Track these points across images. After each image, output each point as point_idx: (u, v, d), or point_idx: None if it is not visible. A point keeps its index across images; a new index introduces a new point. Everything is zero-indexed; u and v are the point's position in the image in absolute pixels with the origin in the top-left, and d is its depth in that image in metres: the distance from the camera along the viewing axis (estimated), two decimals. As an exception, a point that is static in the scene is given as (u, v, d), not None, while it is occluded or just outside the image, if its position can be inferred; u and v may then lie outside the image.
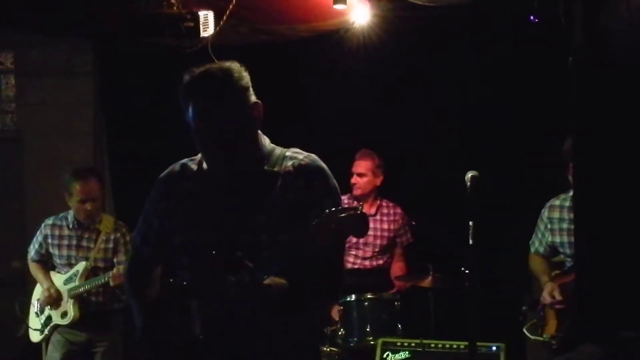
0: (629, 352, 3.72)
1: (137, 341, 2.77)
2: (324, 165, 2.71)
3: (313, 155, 2.72)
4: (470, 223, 3.70)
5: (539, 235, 4.31)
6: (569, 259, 4.18)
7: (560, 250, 4.21)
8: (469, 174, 3.78)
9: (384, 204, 5.44)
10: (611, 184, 3.58)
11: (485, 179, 3.80)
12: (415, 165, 5.67)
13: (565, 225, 4.15)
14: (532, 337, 4.15)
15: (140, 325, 2.79)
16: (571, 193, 4.15)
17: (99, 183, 4.93)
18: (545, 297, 4.07)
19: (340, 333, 4.98)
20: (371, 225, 5.14)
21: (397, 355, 4.77)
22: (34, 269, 5.06)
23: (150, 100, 5.95)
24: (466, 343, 4.27)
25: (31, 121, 6.32)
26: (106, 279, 4.73)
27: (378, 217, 5.36)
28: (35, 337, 5.06)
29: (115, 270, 4.73)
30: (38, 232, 5.04)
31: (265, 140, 2.72)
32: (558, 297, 4.02)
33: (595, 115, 3.62)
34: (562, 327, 4.03)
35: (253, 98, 2.62)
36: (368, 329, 4.98)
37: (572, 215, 4.08)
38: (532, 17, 4.88)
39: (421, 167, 5.61)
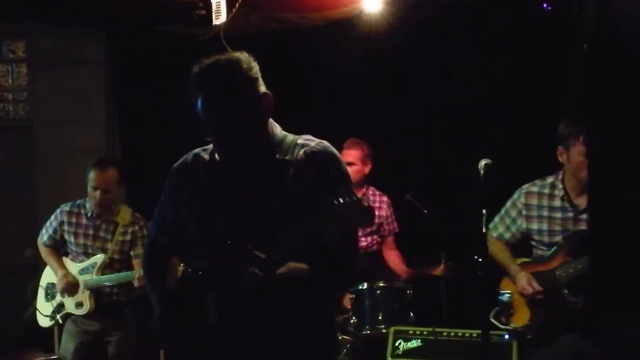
0: (610, 342, 3.70)
1: (154, 330, 2.78)
2: (335, 151, 2.73)
3: (325, 142, 2.72)
4: (483, 211, 3.68)
5: (507, 221, 4.19)
6: (543, 247, 4.10)
7: (536, 237, 4.08)
8: (482, 162, 3.76)
9: (370, 191, 5.44)
10: (624, 173, 3.55)
11: (498, 167, 3.78)
12: (427, 153, 5.65)
13: (545, 213, 4.07)
14: (501, 326, 4.08)
15: (157, 313, 2.81)
16: (549, 180, 4.08)
17: (116, 175, 4.89)
18: (526, 288, 3.96)
19: (352, 321, 4.98)
20: None
21: (409, 343, 4.76)
22: (47, 254, 5.03)
23: (161, 89, 5.95)
24: (479, 331, 4.24)
25: (43, 110, 6.34)
26: (130, 277, 4.74)
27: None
28: (45, 322, 5.07)
29: (138, 272, 4.70)
30: (53, 217, 5.02)
31: (277, 129, 2.72)
32: (537, 287, 3.96)
33: (606, 104, 3.60)
34: (536, 317, 3.99)
35: (262, 88, 2.63)
36: (380, 318, 4.98)
37: (552, 203, 4.02)
38: (545, 5, 4.85)
39: (433, 155, 5.59)
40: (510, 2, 5.32)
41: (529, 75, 5.35)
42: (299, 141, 2.70)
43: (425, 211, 5.24)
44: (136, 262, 4.81)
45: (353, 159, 5.25)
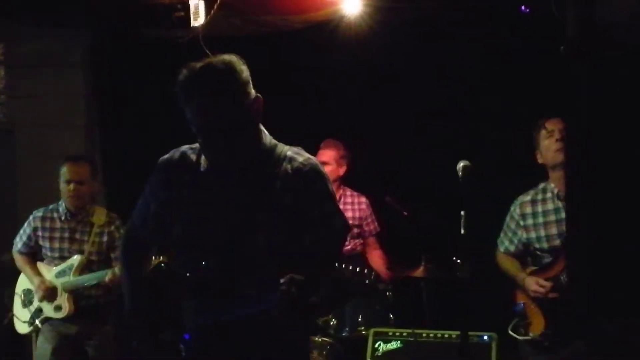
0: (612, 346, 3.74)
1: (124, 322, 2.77)
2: (322, 169, 2.75)
3: (313, 160, 2.73)
4: (462, 212, 3.70)
5: (509, 234, 4.24)
6: (545, 255, 4.14)
7: (536, 245, 4.11)
8: (461, 164, 3.78)
9: (348, 192, 5.45)
10: (603, 174, 3.58)
11: (477, 168, 3.81)
12: (408, 155, 5.68)
13: (540, 219, 4.11)
14: (520, 337, 4.12)
15: (128, 305, 2.79)
16: (540, 186, 4.15)
17: (89, 169, 4.90)
18: (537, 289, 4.01)
19: (332, 323, 4.99)
20: None
21: (389, 345, 4.78)
22: (21, 262, 5.00)
23: (143, 91, 5.94)
24: (458, 332, 4.28)
25: (23, 113, 6.31)
26: (104, 276, 4.73)
27: (341, 205, 5.37)
28: (23, 328, 5.03)
29: (113, 270, 4.72)
30: (26, 224, 5.00)
31: (267, 137, 2.71)
32: (547, 284, 4.00)
33: (588, 106, 3.63)
34: (551, 323, 4.03)
35: (253, 92, 2.62)
36: (360, 319, 5.00)
37: (545, 207, 4.08)
38: (523, 8, 4.88)
39: (413, 157, 5.62)
40: (492, 2, 5.34)
41: (511, 75, 5.39)
42: (288, 153, 2.69)
43: (405, 213, 5.26)
44: (115, 264, 4.79)
45: (328, 159, 5.26)
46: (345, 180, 5.46)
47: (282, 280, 2.43)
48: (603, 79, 3.51)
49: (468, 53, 5.52)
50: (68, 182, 4.83)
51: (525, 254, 4.26)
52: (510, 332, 4.14)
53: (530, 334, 4.06)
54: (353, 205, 5.41)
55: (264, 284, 2.51)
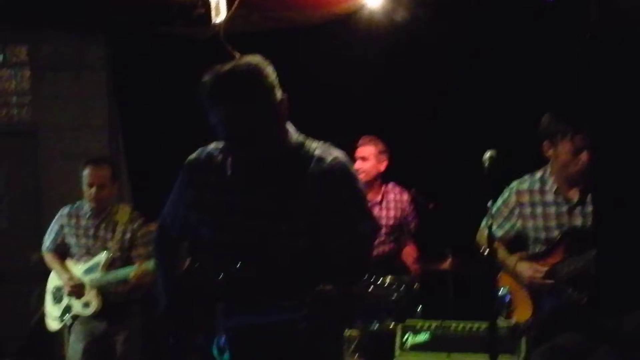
0: (608, 338, 3.68)
1: (158, 319, 2.77)
2: (351, 170, 2.67)
3: (341, 159, 2.64)
4: (489, 204, 3.67)
5: (500, 220, 4.15)
6: (539, 244, 4.05)
7: (532, 235, 4.00)
8: (487, 154, 3.74)
9: (390, 189, 5.41)
10: (627, 162, 3.53)
11: (503, 158, 3.77)
12: (432, 147, 5.65)
13: (538, 210, 4.01)
14: (502, 322, 4.04)
15: (163, 303, 2.79)
16: (538, 175, 4.02)
17: (110, 171, 4.94)
18: (534, 276, 3.91)
19: (360, 316, 4.98)
20: (376, 212, 5.16)
21: (417, 337, 4.77)
22: (50, 259, 5.07)
23: (164, 90, 5.96)
24: (486, 324, 4.25)
25: (46, 114, 6.36)
26: (129, 276, 4.76)
27: (384, 204, 5.34)
28: (54, 325, 5.10)
29: (137, 268, 4.75)
30: (53, 222, 5.07)
31: (293, 136, 2.65)
32: (543, 269, 3.92)
33: (610, 92, 3.58)
34: (538, 312, 3.95)
35: (280, 94, 2.56)
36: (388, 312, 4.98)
37: (544, 199, 3.97)
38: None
39: (437, 149, 5.59)
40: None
41: (534, 65, 5.34)
42: (316, 153, 2.61)
43: (431, 206, 5.24)
44: (137, 261, 4.82)
45: (367, 155, 5.24)
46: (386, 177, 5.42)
47: (310, 296, 2.40)
48: (627, 64, 3.46)
49: (490, 43, 5.47)
50: (90, 185, 4.88)
51: (514, 241, 4.18)
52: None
53: (513, 320, 4.01)
54: (397, 203, 5.37)
55: (290, 292, 2.49)
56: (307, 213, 2.55)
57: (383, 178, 5.38)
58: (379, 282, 4.25)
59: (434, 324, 4.78)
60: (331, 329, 2.63)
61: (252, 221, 2.60)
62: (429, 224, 5.36)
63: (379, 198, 5.30)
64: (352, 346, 4.92)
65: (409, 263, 5.31)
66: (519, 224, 4.05)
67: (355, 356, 4.85)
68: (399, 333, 4.80)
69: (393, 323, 4.90)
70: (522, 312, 3.98)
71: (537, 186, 4.02)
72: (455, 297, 4.95)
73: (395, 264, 5.20)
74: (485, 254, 3.68)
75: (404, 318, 4.83)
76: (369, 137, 5.31)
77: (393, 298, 4.57)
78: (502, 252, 4.10)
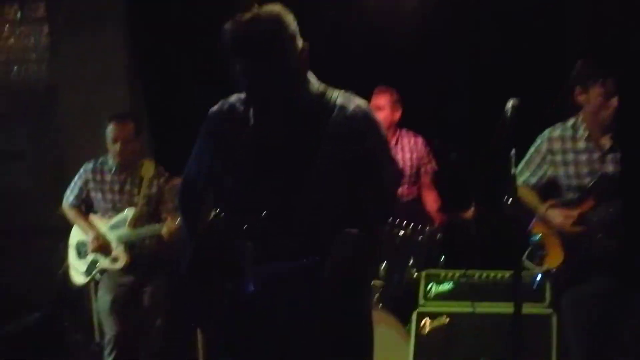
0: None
1: (183, 270, 2.79)
2: (375, 117, 2.67)
3: (364, 106, 2.65)
4: (512, 152, 3.65)
5: (533, 167, 4.16)
6: (571, 192, 4.06)
7: (564, 182, 4.06)
8: (510, 102, 3.71)
9: (404, 133, 5.43)
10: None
11: (527, 107, 3.74)
12: (455, 95, 5.60)
13: (570, 157, 4.03)
14: (534, 267, 4.06)
15: (188, 253, 2.81)
16: (570, 122, 4.05)
17: (133, 127, 4.94)
18: (565, 222, 3.96)
19: (383, 266, 5.00)
20: None
21: (441, 286, 4.79)
22: (73, 215, 5.09)
23: (184, 42, 5.92)
24: (510, 273, 4.25)
25: (65, 70, 6.35)
26: (160, 229, 4.79)
27: (399, 146, 5.36)
28: (80, 279, 5.14)
29: (169, 223, 4.76)
30: (77, 177, 5.08)
31: (314, 85, 2.65)
32: (574, 214, 3.94)
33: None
34: (570, 258, 3.97)
35: (300, 43, 2.55)
36: (411, 262, 4.99)
37: (576, 146, 4.01)
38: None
39: (461, 97, 5.54)
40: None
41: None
42: (339, 101, 2.61)
43: (453, 155, 5.22)
44: (167, 217, 4.84)
45: (382, 104, 5.24)
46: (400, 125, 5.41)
47: (335, 240, 2.40)
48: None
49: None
50: (114, 141, 4.88)
51: (546, 188, 4.19)
52: (525, 261, 4.09)
53: (545, 266, 4.02)
54: (410, 146, 5.39)
55: (315, 238, 2.50)
56: (331, 160, 2.56)
57: (398, 126, 5.40)
58: (402, 229, 4.31)
59: (457, 274, 4.79)
60: (357, 273, 2.63)
61: (276, 170, 2.60)
62: (451, 173, 5.34)
63: (393, 142, 5.31)
64: (376, 296, 4.94)
65: (432, 211, 5.32)
66: (550, 171, 4.08)
67: (379, 306, 4.88)
68: (422, 282, 4.82)
69: (416, 272, 4.92)
70: (554, 259, 4.01)
71: (569, 133, 4.04)
72: (478, 247, 4.94)
73: (418, 212, 5.19)
74: (510, 202, 3.67)
75: (427, 267, 4.86)
76: (384, 87, 5.30)
77: (416, 246, 4.64)
78: (534, 199, 4.14)
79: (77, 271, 5.15)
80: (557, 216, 3.99)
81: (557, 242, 4.01)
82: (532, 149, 4.17)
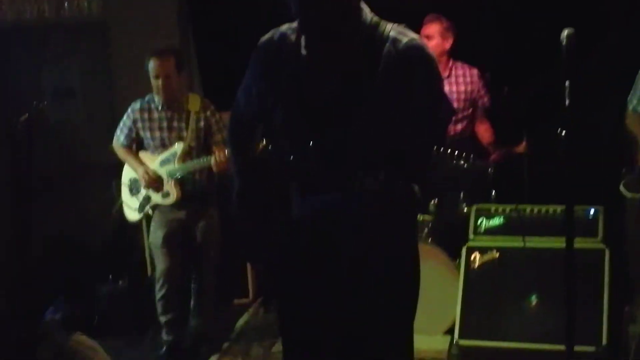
0: None
1: (233, 204, 2.80)
2: (428, 52, 2.60)
3: (418, 41, 2.59)
4: (567, 83, 3.57)
5: (638, 93, 4.11)
6: None
7: None
8: (565, 32, 3.62)
9: (458, 65, 5.32)
10: None
11: (582, 37, 3.64)
12: (507, 26, 5.48)
13: None
14: (630, 194, 4.01)
15: (237, 187, 2.82)
16: None
17: (174, 61, 4.90)
18: None
19: (433, 202, 4.98)
20: (446, 88, 5.02)
21: (491, 221, 4.76)
22: (124, 153, 5.14)
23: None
24: (563, 207, 4.19)
25: (117, 7, 6.36)
26: (209, 162, 4.80)
27: (453, 79, 5.26)
28: (134, 216, 5.21)
29: (217, 154, 4.76)
30: (125, 117, 5.09)
31: (367, 16, 2.60)
32: None
33: None
34: None
35: None
36: (461, 197, 4.96)
37: None
38: None
39: (513, 27, 5.42)
40: None
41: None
42: (391, 34, 2.56)
43: (505, 88, 5.14)
44: (216, 149, 4.85)
45: (432, 33, 5.15)
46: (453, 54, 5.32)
47: (381, 175, 2.39)
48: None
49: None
50: (156, 77, 4.88)
51: None
52: (622, 188, 4.02)
53: None
54: (465, 78, 5.30)
55: (361, 172, 2.46)
56: (381, 93, 2.52)
57: (451, 55, 5.29)
58: (453, 161, 4.28)
59: (508, 208, 4.75)
60: (403, 208, 2.62)
61: (326, 101, 2.58)
62: (503, 106, 5.26)
63: (446, 74, 5.22)
64: (425, 231, 4.94)
65: (485, 145, 5.25)
66: None
67: (429, 241, 4.88)
68: (472, 217, 4.80)
69: (467, 207, 4.89)
70: None
71: None
72: (529, 182, 4.89)
73: (470, 147, 5.14)
74: (565, 134, 3.61)
75: (478, 202, 4.83)
76: (434, 15, 5.20)
77: (467, 180, 4.60)
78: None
79: (130, 208, 5.22)
80: None
81: None
82: (638, 75, 4.07)
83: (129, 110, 5.08)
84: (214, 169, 4.79)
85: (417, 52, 2.55)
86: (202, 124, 4.96)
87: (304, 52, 2.60)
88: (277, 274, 2.82)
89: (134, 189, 5.17)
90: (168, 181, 4.97)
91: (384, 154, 2.49)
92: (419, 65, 2.55)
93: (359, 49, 2.55)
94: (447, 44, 5.20)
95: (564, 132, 3.61)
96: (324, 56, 2.57)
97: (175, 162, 4.92)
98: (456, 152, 4.29)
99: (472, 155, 4.39)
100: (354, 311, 2.68)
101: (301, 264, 2.71)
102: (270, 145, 2.70)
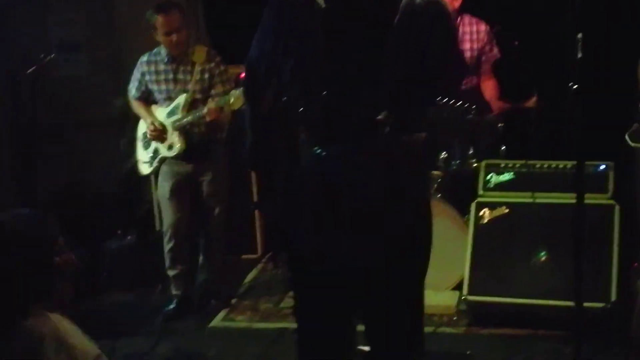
0: None
1: (245, 155, 2.79)
2: (445, 8, 2.62)
3: None
4: (578, 36, 3.51)
5: None
6: None
7: None
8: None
9: (466, 20, 5.22)
10: None
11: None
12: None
13: None
14: (633, 144, 3.96)
15: (249, 139, 2.81)
16: None
17: (180, 14, 4.89)
18: None
19: (441, 156, 4.94)
20: None
21: (501, 176, 4.73)
22: (136, 106, 5.15)
23: None
24: (573, 163, 4.16)
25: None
26: (203, 112, 4.79)
27: (460, 36, 5.19)
28: (145, 169, 5.22)
29: (210, 104, 4.75)
30: (135, 70, 5.10)
31: None
32: None
33: None
34: None
35: None
36: (470, 152, 4.92)
37: None
38: None
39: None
40: None
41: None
42: None
43: (516, 42, 5.06)
44: (211, 99, 4.83)
45: None
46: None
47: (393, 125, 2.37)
48: None
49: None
50: (168, 33, 4.83)
51: None
52: (627, 137, 3.98)
53: None
54: (472, 35, 5.22)
55: (373, 122, 2.48)
56: (395, 48, 2.51)
57: (461, 11, 5.20)
58: (462, 116, 4.22)
59: (517, 164, 4.71)
60: (416, 160, 2.61)
61: (340, 52, 2.57)
62: (513, 61, 5.19)
63: None
64: (435, 186, 4.92)
65: (491, 100, 5.20)
66: None
67: (438, 196, 4.85)
68: (482, 172, 4.76)
69: (476, 162, 4.85)
70: None
71: None
72: (539, 137, 4.84)
73: (477, 101, 5.08)
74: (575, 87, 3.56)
75: (487, 157, 4.79)
76: None
77: (476, 134, 4.55)
78: None
79: (142, 162, 5.23)
80: None
81: None
82: None
83: (138, 63, 5.08)
84: (207, 118, 4.77)
85: (434, 7, 2.57)
86: (206, 75, 4.93)
87: (322, 4, 2.57)
88: (286, 225, 2.81)
89: (145, 143, 5.17)
90: (172, 132, 4.95)
91: (397, 105, 2.49)
92: (436, 20, 2.56)
93: (376, 3, 2.54)
94: (457, 3, 5.10)
95: (575, 86, 3.58)
96: (341, 9, 2.56)
97: (179, 112, 4.90)
98: (466, 104, 4.23)
99: (479, 113, 4.34)
100: (365, 265, 2.67)
101: (310, 215, 2.69)
102: (282, 98, 2.67)
